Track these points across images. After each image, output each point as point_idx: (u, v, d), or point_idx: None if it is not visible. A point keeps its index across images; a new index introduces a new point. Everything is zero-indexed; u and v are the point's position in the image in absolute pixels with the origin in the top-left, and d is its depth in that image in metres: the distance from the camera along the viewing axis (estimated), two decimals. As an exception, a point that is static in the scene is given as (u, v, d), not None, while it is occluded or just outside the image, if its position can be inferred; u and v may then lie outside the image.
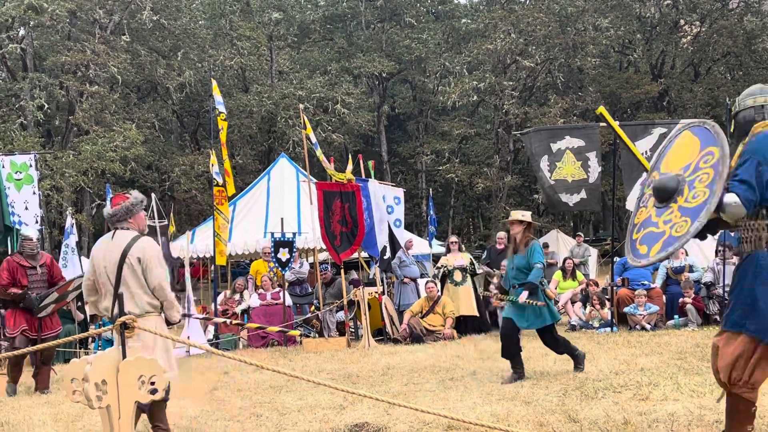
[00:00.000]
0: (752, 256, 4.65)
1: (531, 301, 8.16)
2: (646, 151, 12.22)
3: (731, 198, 4.43)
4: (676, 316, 12.52)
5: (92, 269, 5.78)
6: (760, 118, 4.80)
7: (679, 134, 5.20)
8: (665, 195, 4.81)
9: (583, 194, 12.75)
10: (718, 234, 10.02)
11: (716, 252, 13.37)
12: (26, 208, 13.43)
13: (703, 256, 16.43)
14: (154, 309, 5.64)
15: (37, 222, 13.86)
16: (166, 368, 5.37)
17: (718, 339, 4.71)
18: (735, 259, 13.45)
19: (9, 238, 13.94)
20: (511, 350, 8.26)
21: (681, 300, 12.57)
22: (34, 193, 13.51)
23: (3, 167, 13.25)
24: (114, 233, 5.79)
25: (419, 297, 14.29)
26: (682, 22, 39.03)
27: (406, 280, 14.40)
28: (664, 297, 12.92)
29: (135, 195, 6.03)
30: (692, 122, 5.21)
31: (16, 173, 13.37)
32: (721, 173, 4.50)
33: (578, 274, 14.51)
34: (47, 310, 9.38)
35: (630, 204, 12.84)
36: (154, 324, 5.51)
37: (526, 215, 8.64)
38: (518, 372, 8.17)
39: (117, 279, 5.57)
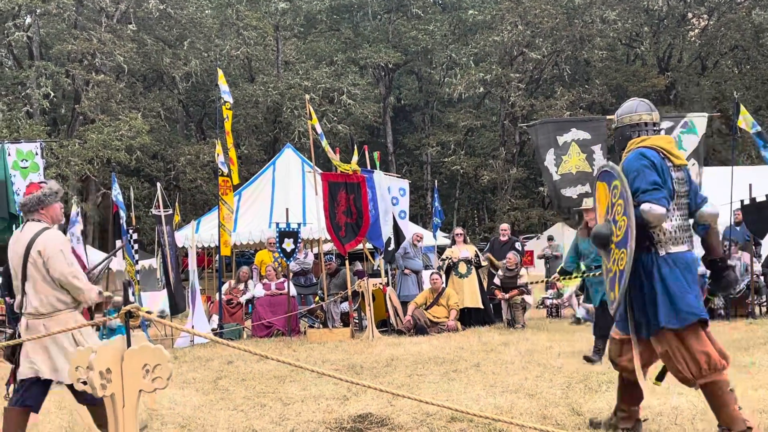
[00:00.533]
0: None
1: None
2: None
3: (643, 207, 4.86)
4: (680, 310, 12.47)
5: (8, 263, 5.50)
6: (635, 135, 5.23)
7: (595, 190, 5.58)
8: (604, 241, 5.20)
9: (587, 187, 12.71)
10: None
11: (723, 246, 13.33)
12: (32, 196, 13.44)
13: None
14: (66, 305, 5.38)
15: (42, 210, 13.87)
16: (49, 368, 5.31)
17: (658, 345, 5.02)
18: (740, 254, 13.46)
19: (14, 227, 13.99)
20: (605, 330, 8.10)
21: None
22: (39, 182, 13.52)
23: (9, 155, 13.26)
24: (24, 225, 5.51)
25: (421, 289, 14.32)
26: (689, 15, 38.88)
27: (407, 271, 14.43)
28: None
29: (50, 185, 5.62)
30: (599, 174, 5.54)
31: (22, 161, 13.38)
32: (628, 199, 4.90)
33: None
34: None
35: None
36: (64, 322, 5.32)
37: None
38: (600, 353, 8.43)
39: (23, 274, 5.33)
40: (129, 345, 4.28)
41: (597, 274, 8.58)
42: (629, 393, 5.28)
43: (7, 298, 13.81)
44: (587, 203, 9.49)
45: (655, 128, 5.25)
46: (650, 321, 4.99)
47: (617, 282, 5.01)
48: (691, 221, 5.18)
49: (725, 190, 13.52)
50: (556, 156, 12.68)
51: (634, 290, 5.05)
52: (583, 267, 9.38)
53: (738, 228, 13.78)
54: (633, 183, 4.96)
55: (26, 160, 13.40)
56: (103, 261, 7.41)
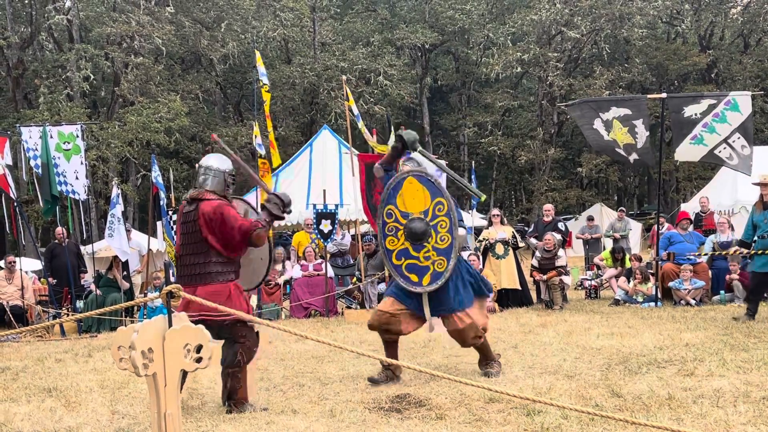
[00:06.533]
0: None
1: None
2: (696, 114, 12.16)
3: (462, 232, 6.90)
4: (721, 292, 12.34)
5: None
6: None
7: (404, 179, 6.77)
8: (417, 238, 6.69)
9: (635, 155, 12.64)
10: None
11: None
12: (76, 178, 13.64)
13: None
14: None
15: (86, 191, 14.08)
16: None
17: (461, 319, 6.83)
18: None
19: (57, 208, 14.21)
20: (760, 296, 10.45)
21: (727, 276, 12.39)
22: (81, 163, 13.70)
23: (51, 137, 13.44)
24: None
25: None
26: (732, -9, 38.16)
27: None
28: (709, 272, 12.74)
29: None
30: (414, 171, 6.82)
31: (64, 143, 13.56)
32: (454, 220, 6.65)
33: (626, 261, 14.29)
34: None
35: (678, 155, 12.98)
36: None
37: None
38: (752, 312, 9.96)
39: None
40: (170, 325, 4.32)
41: None
42: (395, 350, 7.11)
43: (50, 279, 14.11)
44: (764, 177, 10.13)
45: None
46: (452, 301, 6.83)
47: (429, 275, 6.70)
48: None
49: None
50: (605, 125, 12.56)
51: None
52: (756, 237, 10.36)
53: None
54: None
55: (68, 143, 13.58)
56: None
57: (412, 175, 6.79)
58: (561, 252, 13.43)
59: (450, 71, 43.71)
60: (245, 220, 5.99)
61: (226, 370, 5.92)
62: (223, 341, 5.92)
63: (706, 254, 12.90)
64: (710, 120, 12.08)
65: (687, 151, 12.47)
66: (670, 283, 12.44)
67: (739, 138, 11.98)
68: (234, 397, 5.93)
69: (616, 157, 13.70)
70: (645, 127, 12.44)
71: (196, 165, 6.27)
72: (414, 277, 6.74)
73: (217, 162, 6.11)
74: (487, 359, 7.04)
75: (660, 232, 13.98)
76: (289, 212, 6.37)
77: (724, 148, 12.09)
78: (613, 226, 18.26)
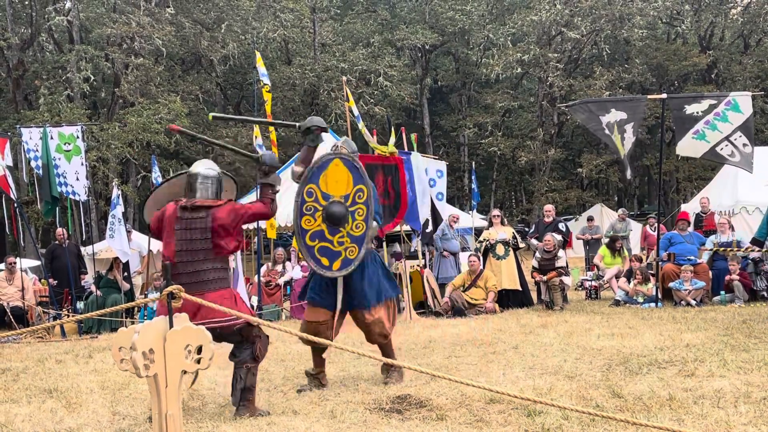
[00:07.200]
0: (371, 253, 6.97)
1: None
2: (697, 111, 12.12)
3: (374, 225, 6.74)
4: (722, 292, 12.35)
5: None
6: None
7: (331, 160, 6.67)
8: (336, 222, 6.57)
9: (628, 173, 12.70)
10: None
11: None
12: (77, 179, 13.64)
13: (750, 232, 16.16)
14: None
15: (86, 192, 14.08)
16: None
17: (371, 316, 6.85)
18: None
19: (57, 209, 14.21)
20: None
21: (727, 276, 12.40)
22: (82, 164, 13.70)
23: (51, 138, 13.44)
24: None
25: (458, 271, 14.30)
26: (732, -8, 38.13)
27: (445, 253, 14.39)
28: (710, 273, 12.75)
29: None
30: (341, 154, 6.76)
31: (65, 144, 13.56)
32: (371, 210, 6.61)
33: (625, 252, 14.33)
34: None
35: (680, 149, 12.89)
36: None
37: None
38: None
39: None
40: (171, 326, 4.32)
41: None
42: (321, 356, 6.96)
43: (50, 280, 14.11)
44: None
45: None
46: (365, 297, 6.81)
47: (339, 260, 6.59)
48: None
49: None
50: (608, 129, 12.58)
51: (356, 275, 6.73)
52: None
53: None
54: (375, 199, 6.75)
55: (69, 143, 13.58)
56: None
57: (339, 157, 6.72)
58: (561, 253, 13.43)
59: (450, 72, 43.69)
60: (254, 204, 6.18)
61: (243, 367, 5.92)
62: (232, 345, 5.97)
63: (710, 250, 12.93)
64: (712, 118, 12.11)
65: (689, 146, 12.48)
66: (671, 284, 12.44)
67: (740, 136, 12.01)
68: (249, 397, 5.91)
69: (623, 163, 13.75)
70: (633, 132, 12.46)
71: (187, 173, 6.20)
72: (325, 261, 6.63)
73: (206, 169, 6.11)
74: (389, 364, 6.90)
75: (660, 233, 14.00)
76: (279, 165, 6.43)
77: (726, 146, 12.11)
78: (613, 226, 18.26)
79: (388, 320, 6.99)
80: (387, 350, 7.06)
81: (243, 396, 5.91)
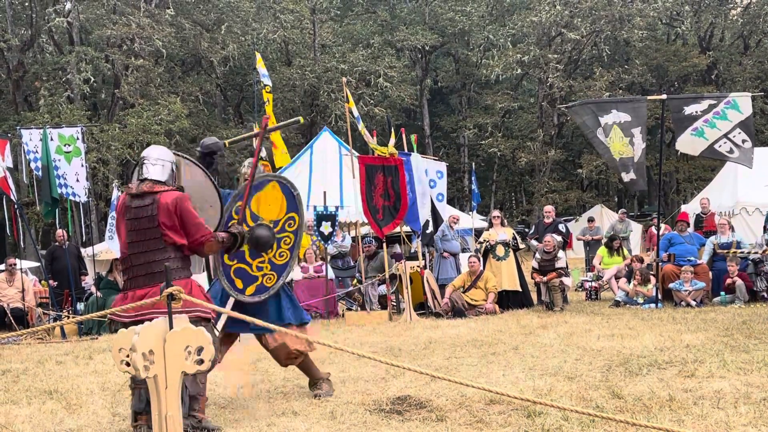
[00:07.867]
0: None
1: None
2: (696, 111, 12.13)
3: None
4: (722, 293, 12.35)
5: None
6: None
7: (269, 181, 6.33)
8: (259, 246, 6.19)
9: (632, 174, 12.54)
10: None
11: (764, 228, 13.16)
12: (77, 180, 13.64)
13: (751, 233, 16.18)
14: None
15: (86, 194, 14.09)
16: None
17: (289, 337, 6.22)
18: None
19: (57, 210, 14.22)
20: None
21: (728, 279, 12.39)
22: (82, 165, 13.71)
23: (51, 140, 13.45)
24: None
25: (458, 272, 14.29)
26: (732, -7, 38.15)
27: (445, 254, 14.40)
28: (710, 273, 12.75)
29: None
30: (279, 176, 6.50)
31: (65, 146, 13.56)
32: (298, 240, 6.37)
33: (624, 251, 14.34)
34: None
35: (680, 145, 12.92)
36: None
37: None
38: None
39: None
40: (171, 327, 4.32)
41: None
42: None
43: (50, 281, 14.11)
44: None
45: None
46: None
47: (254, 286, 6.21)
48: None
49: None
50: (604, 131, 12.55)
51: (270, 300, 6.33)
52: None
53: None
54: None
55: (69, 145, 13.59)
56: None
57: (278, 180, 6.41)
58: (561, 253, 13.43)
59: (450, 73, 43.69)
60: (202, 226, 5.52)
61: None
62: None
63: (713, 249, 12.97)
64: (711, 117, 12.11)
65: (688, 143, 12.48)
66: (671, 285, 12.44)
67: (740, 133, 12.01)
68: (195, 407, 5.47)
69: (615, 170, 13.66)
70: (642, 138, 12.42)
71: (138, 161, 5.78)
72: (239, 283, 6.24)
73: (158, 152, 5.68)
74: (314, 379, 6.63)
75: (661, 234, 13.99)
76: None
77: (725, 143, 12.11)
78: (614, 227, 18.25)
79: (294, 343, 6.33)
80: (305, 367, 6.63)
81: (190, 405, 5.39)
